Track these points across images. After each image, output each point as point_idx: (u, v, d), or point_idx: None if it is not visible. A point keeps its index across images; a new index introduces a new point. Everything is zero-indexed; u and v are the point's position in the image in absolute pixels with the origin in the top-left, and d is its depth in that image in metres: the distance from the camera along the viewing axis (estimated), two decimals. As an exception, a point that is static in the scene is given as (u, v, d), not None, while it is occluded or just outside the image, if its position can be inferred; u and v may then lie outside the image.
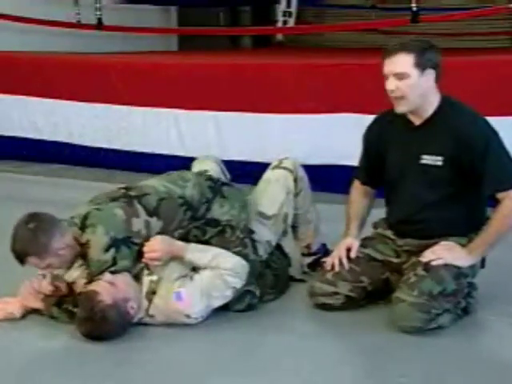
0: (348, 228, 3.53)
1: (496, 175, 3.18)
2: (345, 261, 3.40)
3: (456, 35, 9.64)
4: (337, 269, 3.40)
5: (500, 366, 2.97)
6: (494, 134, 3.25)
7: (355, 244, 3.45)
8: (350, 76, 5.46)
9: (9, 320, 3.35)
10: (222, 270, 3.25)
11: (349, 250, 3.44)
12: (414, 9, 6.34)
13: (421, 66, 3.18)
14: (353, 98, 5.34)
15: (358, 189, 3.61)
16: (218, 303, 3.29)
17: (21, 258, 3.21)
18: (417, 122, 3.32)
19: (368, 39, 9.44)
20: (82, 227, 3.28)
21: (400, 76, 3.18)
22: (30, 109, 6.98)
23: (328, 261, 3.46)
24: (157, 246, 3.30)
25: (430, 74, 3.21)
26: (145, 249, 3.31)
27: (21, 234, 3.22)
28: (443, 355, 3.00)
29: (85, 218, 3.28)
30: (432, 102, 3.27)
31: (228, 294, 3.29)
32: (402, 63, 3.18)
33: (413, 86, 3.18)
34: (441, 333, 3.16)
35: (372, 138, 3.51)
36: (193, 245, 3.38)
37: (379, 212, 3.60)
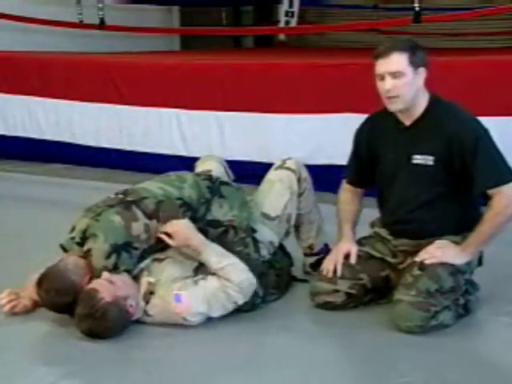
0: (342, 231, 3.54)
1: (486, 172, 3.19)
2: (339, 267, 3.40)
3: (457, 35, 9.65)
4: (336, 274, 3.39)
5: (500, 366, 2.98)
6: (484, 131, 3.27)
7: (354, 248, 3.45)
8: (352, 76, 5.47)
9: (13, 315, 3.37)
10: (227, 282, 3.23)
11: (347, 254, 3.44)
12: (417, 9, 6.34)
13: (414, 64, 3.21)
14: (355, 98, 5.35)
15: (347, 190, 3.62)
16: (216, 314, 3.26)
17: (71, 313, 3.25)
18: (407, 122, 3.34)
19: (370, 39, 9.45)
20: (83, 241, 3.28)
21: (396, 75, 3.20)
22: (33, 109, 6.99)
23: (324, 266, 3.46)
24: (178, 229, 3.29)
25: (422, 73, 3.25)
26: (167, 226, 3.30)
27: (52, 304, 3.24)
28: (443, 355, 3.00)
29: (84, 231, 3.29)
30: (421, 101, 3.30)
31: (229, 308, 3.27)
32: (397, 62, 3.20)
33: (408, 84, 3.21)
34: (441, 333, 3.17)
35: (363, 138, 3.53)
36: (214, 245, 3.35)
37: (374, 211, 3.61)
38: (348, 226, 3.54)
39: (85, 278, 3.23)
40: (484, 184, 3.21)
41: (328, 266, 3.44)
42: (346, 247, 3.46)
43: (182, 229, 3.33)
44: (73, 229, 3.37)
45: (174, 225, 3.32)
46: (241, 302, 3.28)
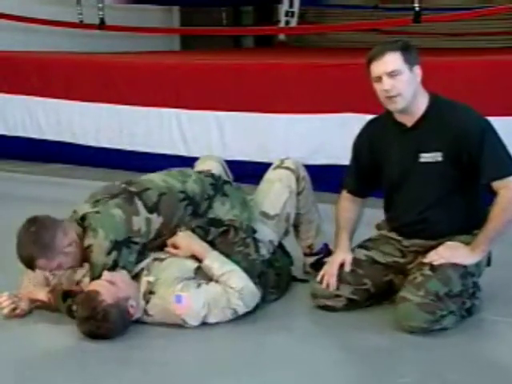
0: (339, 240, 3.52)
1: (492, 164, 3.20)
2: (334, 280, 3.39)
3: (457, 35, 9.65)
4: (331, 289, 3.39)
5: (501, 367, 2.98)
6: (489, 125, 3.28)
7: (348, 258, 3.43)
8: (352, 76, 5.46)
9: (11, 318, 3.36)
10: (228, 288, 3.25)
11: (342, 265, 3.42)
12: (417, 9, 6.35)
13: (409, 62, 3.22)
14: (355, 98, 5.35)
15: (347, 199, 3.59)
16: (213, 320, 3.26)
17: (29, 262, 3.22)
18: (409, 123, 3.33)
19: (370, 39, 9.44)
20: (82, 226, 3.28)
21: (393, 74, 3.20)
22: (33, 109, 7.00)
23: (324, 278, 3.42)
24: (181, 241, 3.39)
25: (418, 70, 3.26)
26: (168, 242, 3.40)
27: (24, 240, 3.21)
28: (444, 356, 2.99)
29: (83, 218, 3.29)
30: (421, 100, 3.30)
31: (227, 315, 3.27)
32: (393, 61, 3.21)
33: (407, 81, 3.22)
34: (442, 333, 3.16)
35: (363, 146, 3.51)
36: (216, 253, 3.39)
37: (376, 211, 3.60)
38: (345, 236, 3.51)
39: (67, 240, 3.20)
40: (490, 174, 3.20)
41: (326, 278, 3.41)
42: (340, 258, 3.44)
43: (184, 238, 3.40)
44: (74, 212, 3.37)
45: (177, 237, 3.41)
46: (241, 310, 3.28)
